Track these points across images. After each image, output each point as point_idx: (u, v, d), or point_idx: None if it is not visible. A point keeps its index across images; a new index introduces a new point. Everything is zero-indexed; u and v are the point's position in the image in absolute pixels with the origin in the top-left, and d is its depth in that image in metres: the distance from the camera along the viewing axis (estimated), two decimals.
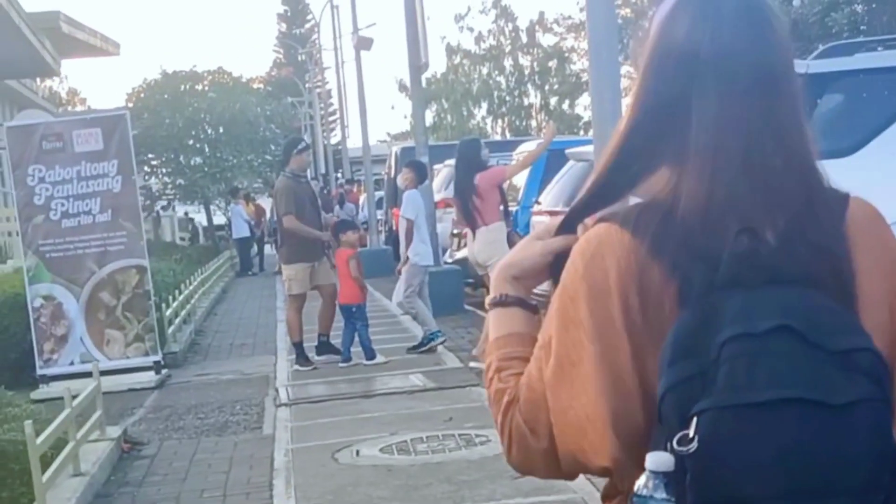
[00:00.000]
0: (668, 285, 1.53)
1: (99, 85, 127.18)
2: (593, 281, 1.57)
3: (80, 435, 7.57)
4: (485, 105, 64.76)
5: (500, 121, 64.97)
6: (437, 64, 66.86)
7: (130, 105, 37.74)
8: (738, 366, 1.40)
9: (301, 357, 11.99)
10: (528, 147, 15.84)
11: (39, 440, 6.30)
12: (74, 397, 8.64)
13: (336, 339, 11.97)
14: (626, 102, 1.73)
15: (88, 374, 12.00)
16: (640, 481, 1.43)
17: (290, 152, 12.41)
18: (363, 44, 27.91)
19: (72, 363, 12.12)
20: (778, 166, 1.56)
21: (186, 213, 44.83)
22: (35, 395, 11.56)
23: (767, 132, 1.57)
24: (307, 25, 78.04)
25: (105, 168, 12.32)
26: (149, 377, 12.15)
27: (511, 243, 11.02)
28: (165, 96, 36.42)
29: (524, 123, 63.45)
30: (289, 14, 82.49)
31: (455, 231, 16.53)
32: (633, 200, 1.64)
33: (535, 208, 13.57)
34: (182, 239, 42.82)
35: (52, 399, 11.30)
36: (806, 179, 1.59)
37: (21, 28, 23.64)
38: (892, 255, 1.62)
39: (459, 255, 15.88)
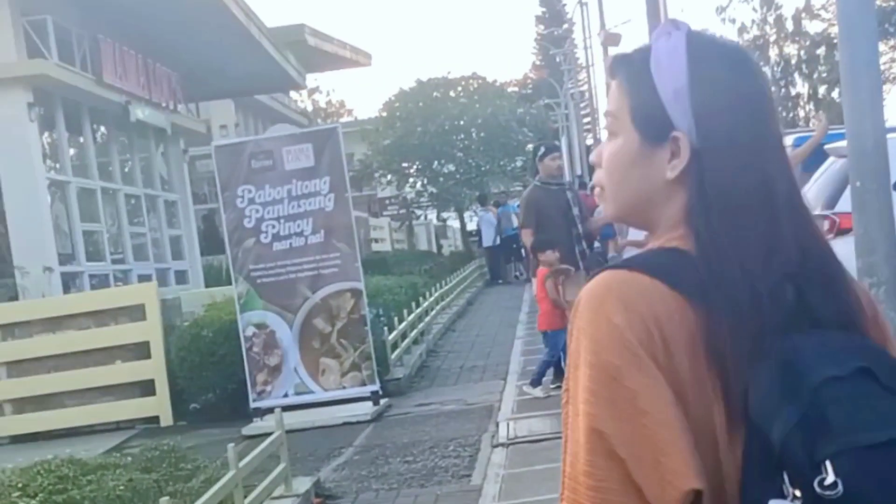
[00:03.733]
0: (712, 332, 1.52)
1: (363, 96, 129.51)
2: (636, 332, 1.52)
3: (250, 500, 6.67)
4: None
5: None
6: None
7: (384, 115, 37.74)
8: (845, 407, 1.41)
9: (555, 374, 11.04)
10: (784, 143, 14.31)
11: None
12: (267, 435, 7.93)
13: None
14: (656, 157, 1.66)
15: (305, 406, 11.40)
16: None
17: (535, 160, 11.50)
18: (611, 40, 26.70)
19: (286, 395, 11.42)
20: (807, 212, 1.63)
21: (445, 220, 44.54)
22: (247, 430, 10.91)
23: (794, 180, 1.64)
24: (565, 26, 77.11)
25: (317, 186, 11.57)
26: (366, 409, 11.31)
27: None
28: (419, 104, 36.08)
29: (791, 115, 60.74)
30: (547, 16, 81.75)
31: None
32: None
33: None
34: (440, 247, 42.59)
35: (265, 434, 10.68)
36: (815, 226, 1.64)
37: (262, 43, 23.48)
38: (864, 289, 1.70)
39: None
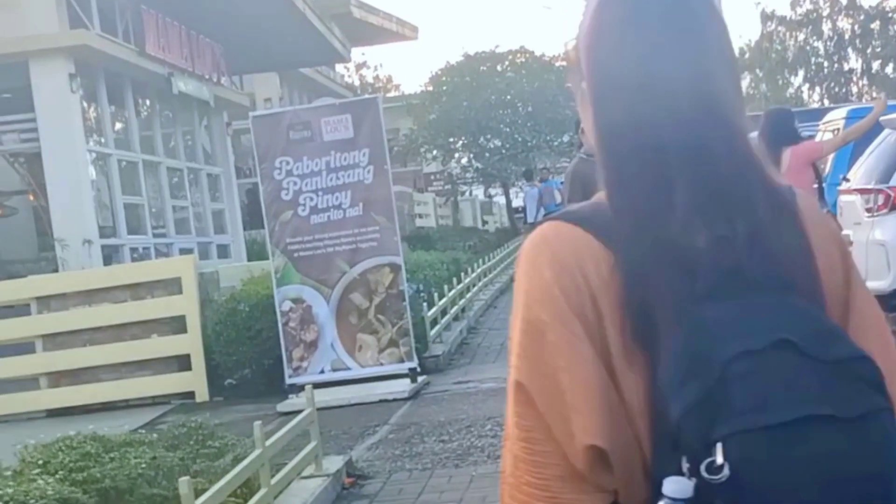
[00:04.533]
0: (643, 294, 1.46)
1: (410, 70, 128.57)
2: (564, 287, 1.49)
3: (277, 479, 6.47)
4: (801, 72, 61.47)
5: (817, 88, 61.58)
6: (751, 32, 64.08)
7: (430, 89, 37.47)
8: (751, 386, 1.35)
9: None
10: (836, 115, 13.95)
11: (202, 500, 5.18)
12: (295, 412, 7.77)
13: None
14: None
15: (341, 383, 11.20)
16: None
17: (578, 132, 11.19)
18: None
19: (322, 371, 11.23)
20: (732, 173, 1.51)
21: (491, 196, 44.23)
22: (282, 406, 10.72)
23: (719, 139, 1.52)
24: None
25: (356, 158, 11.33)
26: (403, 386, 11.09)
27: None
28: (466, 78, 35.75)
29: (843, 90, 59.89)
30: None
31: None
32: None
33: (843, 186, 11.71)
34: (485, 222, 42.31)
35: (300, 412, 10.49)
36: (762, 180, 1.54)
37: (306, 14, 23.24)
38: (840, 247, 1.59)
39: None
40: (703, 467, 1.33)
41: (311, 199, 11.32)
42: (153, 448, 6.43)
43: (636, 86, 1.52)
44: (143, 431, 7.27)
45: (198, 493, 5.40)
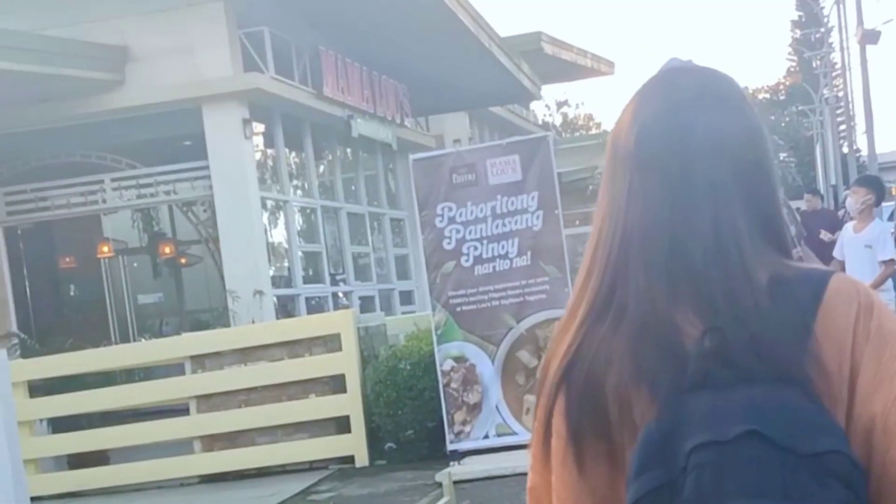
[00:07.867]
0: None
1: (611, 107, 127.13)
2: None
3: None
4: None
5: None
6: None
7: None
8: (706, 475, 1.34)
9: None
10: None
11: None
12: (462, 483, 6.83)
13: None
14: None
15: (506, 449, 10.23)
16: None
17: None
18: (868, 38, 24.62)
19: (486, 436, 10.26)
20: (732, 259, 1.49)
21: None
22: (440, 476, 9.78)
23: (706, 231, 1.51)
24: (822, 29, 73.92)
25: (524, 202, 10.38)
26: None
27: None
28: None
29: None
30: (803, 19, 78.55)
31: None
32: None
33: None
34: None
35: (463, 482, 9.61)
36: (751, 269, 1.49)
37: (493, 52, 22.48)
38: (856, 331, 1.45)
39: None
40: None
41: (476, 248, 10.40)
42: None
43: (637, 164, 1.56)
44: None
45: None
